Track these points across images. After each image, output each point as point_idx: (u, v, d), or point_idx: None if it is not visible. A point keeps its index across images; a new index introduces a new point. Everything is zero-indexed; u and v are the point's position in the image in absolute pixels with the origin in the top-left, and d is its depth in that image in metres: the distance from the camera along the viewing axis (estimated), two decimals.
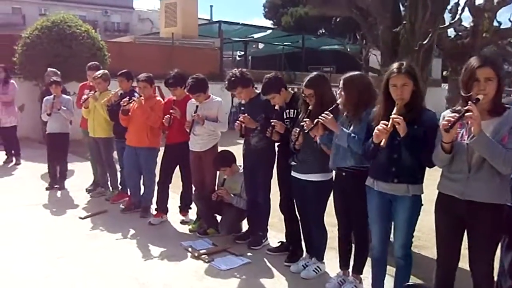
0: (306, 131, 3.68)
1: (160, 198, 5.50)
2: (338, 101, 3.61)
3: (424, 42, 4.97)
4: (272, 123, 4.21)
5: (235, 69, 4.74)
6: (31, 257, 4.36)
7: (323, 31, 29.25)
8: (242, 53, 25.92)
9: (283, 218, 4.55)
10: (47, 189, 6.90)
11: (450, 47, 11.71)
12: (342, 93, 3.57)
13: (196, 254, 4.42)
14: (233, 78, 4.47)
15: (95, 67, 6.68)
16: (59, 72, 8.13)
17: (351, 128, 3.55)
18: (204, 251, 4.51)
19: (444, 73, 15.83)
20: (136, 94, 5.94)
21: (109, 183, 6.58)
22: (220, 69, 17.38)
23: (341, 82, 3.59)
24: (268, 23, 35.40)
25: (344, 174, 3.67)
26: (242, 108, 4.57)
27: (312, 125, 3.59)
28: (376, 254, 3.47)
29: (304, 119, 3.80)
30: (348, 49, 8.74)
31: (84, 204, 6.17)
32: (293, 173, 4.12)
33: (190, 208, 5.61)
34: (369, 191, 3.38)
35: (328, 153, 3.85)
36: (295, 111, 4.30)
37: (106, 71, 6.39)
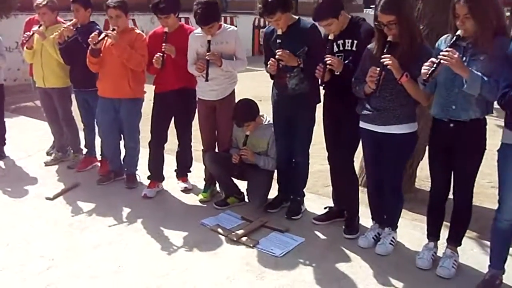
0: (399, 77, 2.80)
1: (153, 162, 4.26)
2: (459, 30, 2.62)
3: None
4: (327, 59, 3.15)
5: None
6: None
7: None
8: None
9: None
10: None
11: None
12: (466, 13, 2.56)
13: (234, 238, 3.36)
14: (270, 0, 3.24)
15: None
16: None
17: (475, 67, 2.60)
18: (242, 231, 3.47)
19: None
20: (98, 28, 4.51)
21: (68, 145, 5.18)
22: None
23: None
24: None
25: (453, 126, 2.76)
26: (279, 41, 3.37)
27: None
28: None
29: (384, 55, 2.80)
30: None
31: (41, 177, 4.74)
32: (364, 125, 3.13)
33: (189, 171, 4.47)
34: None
35: (418, 99, 2.92)
36: (353, 41, 3.26)
37: None
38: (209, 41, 3.66)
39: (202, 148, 4.13)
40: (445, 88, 2.75)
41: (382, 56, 2.83)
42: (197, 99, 4.05)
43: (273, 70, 3.39)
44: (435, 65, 2.55)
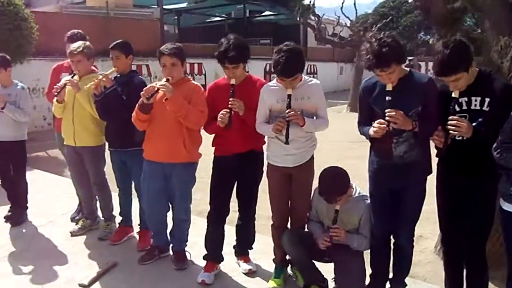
0: None
1: (212, 240, 3.51)
2: None
3: None
4: (453, 121, 2.50)
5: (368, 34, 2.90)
6: None
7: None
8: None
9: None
10: (6, 220, 4.63)
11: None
12: None
13: None
14: (385, 49, 2.59)
15: (77, 35, 4.42)
16: None
17: None
18: None
19: (431, 41, 14.88)
20: (141, 79, 3.90)
21: (99, 212, 4.45)
22: (161, 44, 14.98)
23: None
24: None
25: None
26: (389, 98, 2.71)
27: None
28: None
29: None
30: None
31: (69, 252, 3.98)
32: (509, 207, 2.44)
33: (251, 248, 3.73)
34: None
35: None
36: (483, 99, 2.62)
37: (88, 42, 4.15)
38: (289, 96, 3.01)
39: (272, 223, 3.41)
40: None
41: None
42: (266, 164, 3.37)
43: (381, 134, 2.71)
44: None
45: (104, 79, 3.68)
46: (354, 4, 15.09)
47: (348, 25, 16.34)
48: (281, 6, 21.63)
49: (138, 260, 3.75)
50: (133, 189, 4.13)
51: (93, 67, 4.29)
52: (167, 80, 3.28)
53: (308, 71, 22.29)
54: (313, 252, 3.12)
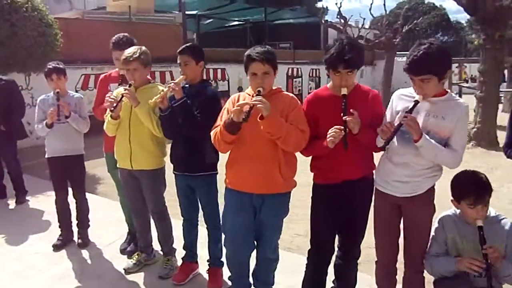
0: None
1: (312, 279, 2.86)
2: None
3: None
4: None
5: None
6: None
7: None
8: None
9: None
10: (55, 248, 4.14)
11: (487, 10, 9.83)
12: None
13: None
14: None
15: (123, 40, 3.82)
16: None
17: None
18: None
19: (476, 41, 14.17)
20: (214, 91, 3.28)
21: (158, 245, 3.82)
22: None
23: None
24: None
25: None
26: None
27: None
28: None
29: None
30: None
31: None
32: None
33: None
34: None
35: None
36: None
37: (144, 47, 3.53)
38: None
39: (376, 260, 2.78)
40: None
41: None
42: (374, 190, 2.74)
43: None
44: None
45: (173, 88, 3.05)
46: (384, 5, 14.43)
47: (366, 26, 15.79)
48: (301, 9, 21.07)
49: None
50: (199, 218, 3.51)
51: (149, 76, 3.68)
52: (258, 93, 2.63)
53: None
54: None
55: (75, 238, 4.32)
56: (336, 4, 15.62)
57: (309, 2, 34.14)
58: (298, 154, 2.81)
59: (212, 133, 2.81)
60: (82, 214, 4.32)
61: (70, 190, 4.29)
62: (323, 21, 16.57)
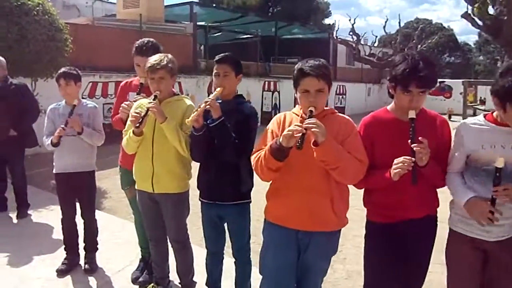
0: None
1: None
2: None
3: None
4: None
5: None
6: None
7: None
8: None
9: None
10: (59, 274, 3.74)
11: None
12: None
13: None
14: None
15: (147, 46, 3.46)
16: (3, 60, 5.12)
17: None
18: None
19: (499, 64, 13.87)
20: (249, 106, 2.92)
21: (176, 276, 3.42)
22: (193, 60, 14.16)
23: None
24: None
25: None
26: None
27: None
28: None
29: None
30: None
31: None
32: None
33: None
34: None
35: None
36: None
37: (171, 55, 3.15)
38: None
39: None
40: None
41: None
42: (449, 231, 2.36)
43: None
44: None
45: (211, 106, 2.67)
46: (399, 23, 14.19)
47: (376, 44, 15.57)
48: (311, 25, 20.85)
49: None
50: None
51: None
52: (311, 113, 2.27)
53: (338, 91, 21.37)
54: None
55: (81, 261, 3.93)
56: (350, 20, 15.25)
57: (316, 18, 34.10)
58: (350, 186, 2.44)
59: (253, 158, 2.43)
60: (91, 236, 3.94)
61: (78, 208, 3.92)
62: (335, 37, 16.29)
